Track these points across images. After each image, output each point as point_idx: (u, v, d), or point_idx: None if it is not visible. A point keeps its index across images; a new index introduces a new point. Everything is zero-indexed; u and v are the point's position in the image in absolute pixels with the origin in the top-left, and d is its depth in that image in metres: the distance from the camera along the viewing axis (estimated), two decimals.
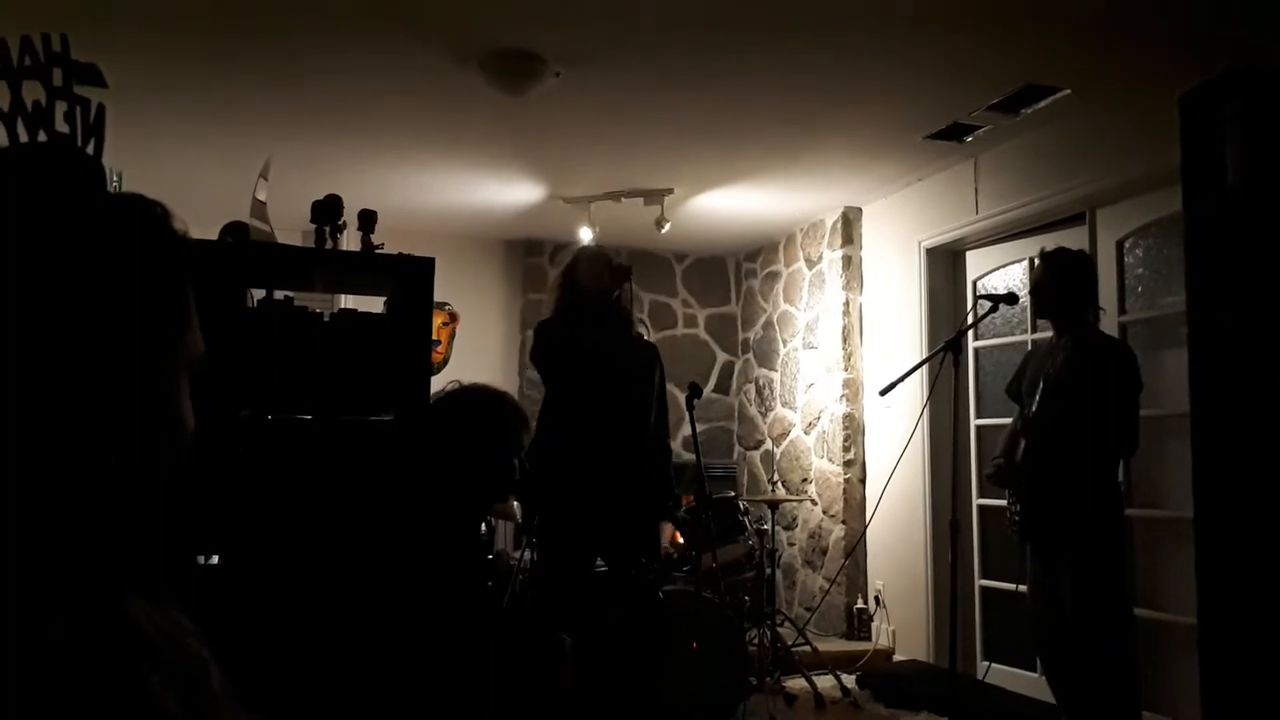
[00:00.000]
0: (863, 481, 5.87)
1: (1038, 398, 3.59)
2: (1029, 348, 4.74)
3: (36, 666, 0.62)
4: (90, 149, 2.09)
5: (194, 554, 2.57)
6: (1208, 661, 3.08)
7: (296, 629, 2.16)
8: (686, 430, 6.83)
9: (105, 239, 0.74)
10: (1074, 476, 3.46)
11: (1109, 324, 4.23)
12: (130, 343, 0.74)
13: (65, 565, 0.67)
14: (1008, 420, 3.94)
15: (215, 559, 2.68)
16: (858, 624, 5.74)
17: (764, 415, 6.85)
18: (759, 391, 6.95)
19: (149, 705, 0.65)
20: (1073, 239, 4.39)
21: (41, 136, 2.05)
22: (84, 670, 0.63)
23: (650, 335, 6.98)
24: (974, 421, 5.13)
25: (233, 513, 2.58)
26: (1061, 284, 3.61)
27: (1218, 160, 3.08)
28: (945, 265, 5.43)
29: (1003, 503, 3.82)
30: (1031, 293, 3.86)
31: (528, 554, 3.74)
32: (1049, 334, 3.82)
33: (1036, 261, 3.77)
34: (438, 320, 6.08)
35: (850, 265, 5.98)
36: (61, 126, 2.07)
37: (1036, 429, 3.57)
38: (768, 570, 5.21)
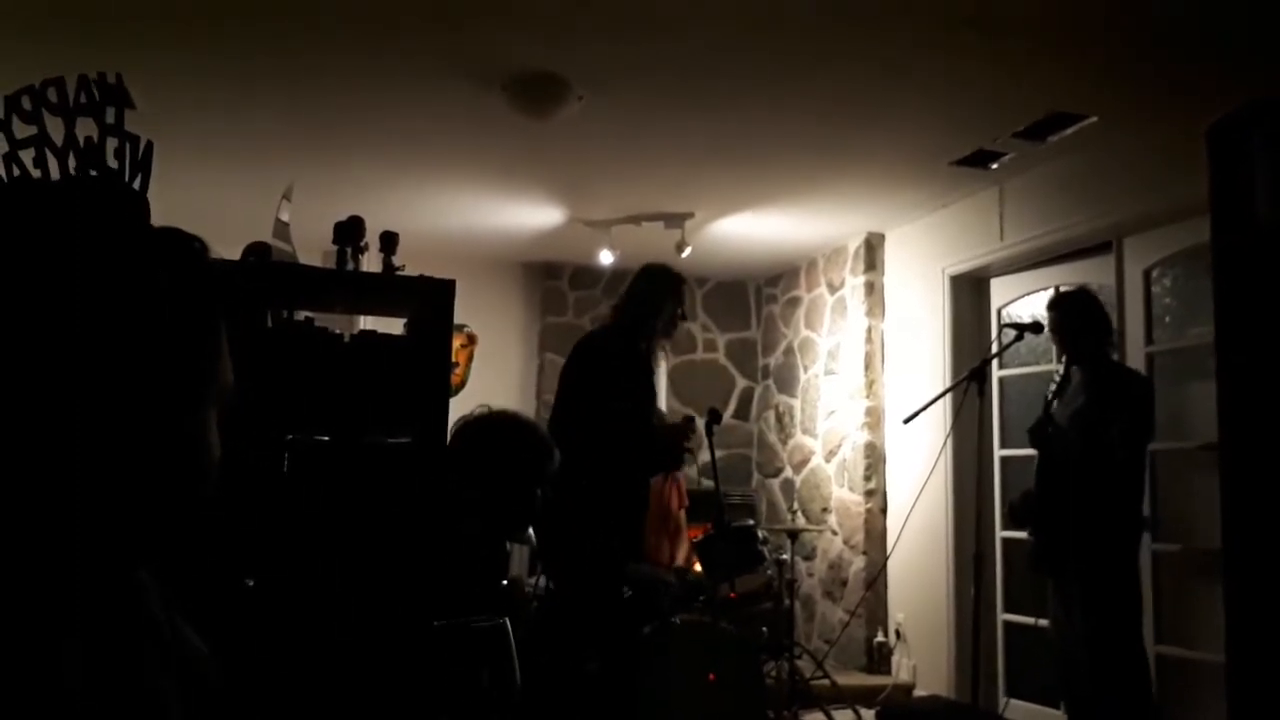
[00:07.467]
0: (884, 512, 5.80)
1: (1050, 433, 3.65)
2: (1055, 377, 4.68)
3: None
4: (136, 184, 2.13)
5: (236, 576, 2.57)
6: (1236, 701, 3.01)
7: (310, 649, 2.15)
8: (705, 456, 6.78)
9: (143, 271, 0.76)
10: (1086, 510, 3.45)
11: (1136, 354, 4.19)
12: (163, 373, 0.75)
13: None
14: (1032, 451, 3.91)
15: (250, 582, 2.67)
16: (878, 657, 5.65)
17: (784, 443, 6.80)
18: (779, 418, 6.90)
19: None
20: (1099, 268, 4.35)
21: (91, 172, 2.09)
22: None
23: (669, 360, 6.95)
24: (998, 452, 5.06)
25: (253, 534, 2.57)
26: (1074, 326, 3.73)
27: (1246, 190, 3.04)
28: (969, 293, 5.39)
29: (1026, 535, 3.82)
30: (1053, 335, 3.91)
31: (542, 581, 3.70)
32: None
33: (1048, 310, 3.85)
34: (456, 342, 6.05)
35: (873, 292, 5.94)
36: (111, 162, 2.11)
37: (1051, 463, 3.60)
38: (786, 601, 5.15)
